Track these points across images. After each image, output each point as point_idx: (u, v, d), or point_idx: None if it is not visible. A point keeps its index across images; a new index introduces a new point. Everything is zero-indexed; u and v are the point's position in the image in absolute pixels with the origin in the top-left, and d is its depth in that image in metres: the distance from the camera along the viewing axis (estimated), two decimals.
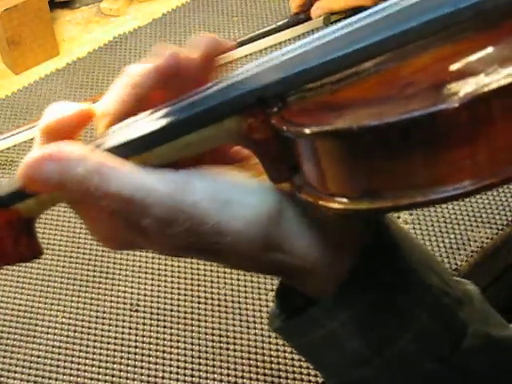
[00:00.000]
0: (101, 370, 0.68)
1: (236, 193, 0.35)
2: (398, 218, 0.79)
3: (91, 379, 0.68)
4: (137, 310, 0.73)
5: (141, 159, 0.36)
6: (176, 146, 0.35)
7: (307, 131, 0.31)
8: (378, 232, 0.39)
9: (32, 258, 0.41)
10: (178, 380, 0.67)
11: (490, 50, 0.30)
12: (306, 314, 0.39)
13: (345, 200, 0.31)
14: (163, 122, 0.36)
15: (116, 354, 0.69)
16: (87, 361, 0.69)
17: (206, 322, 0.71)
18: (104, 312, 0.73)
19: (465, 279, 0.46)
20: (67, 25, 1.14)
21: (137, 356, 0.69)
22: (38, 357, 0.70)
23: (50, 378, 0.68)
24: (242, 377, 0.66)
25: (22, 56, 1.04)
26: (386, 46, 0.32)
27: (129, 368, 0.68)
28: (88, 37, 1.12)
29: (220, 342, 0.70)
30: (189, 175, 0.35)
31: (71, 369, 0.69)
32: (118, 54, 1.05)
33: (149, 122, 0.37)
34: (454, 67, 0.30)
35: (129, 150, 0.36)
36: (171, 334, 0.71)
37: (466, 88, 0.27)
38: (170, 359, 0.69)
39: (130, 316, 0.73)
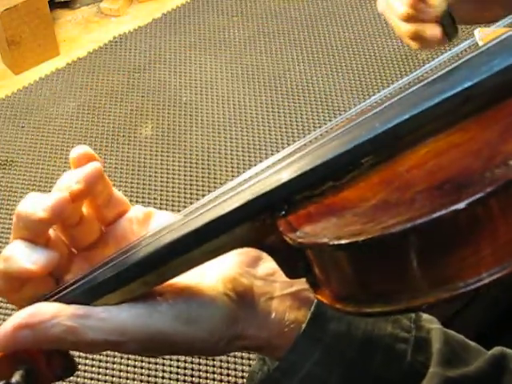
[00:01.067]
0: (101, 370, 0.68)
1: (194, 310, 0.40)
2: None
3: (91, 379, 0.68)
4: None
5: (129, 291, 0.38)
6: (189, 258, 0.37)
7: (313, 243, 0.32)
8: None
9: (67, 374, 0.42)
10: (177, 380, 0.67)
11: (487, 140, 0.31)
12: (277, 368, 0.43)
13: (357, 304, 0.32)
14: (182, 234, 0.37)
15: (116, 353, 0.69)
16: (87, 361, 0.69)
17: None
18: None
19: (431, 317, 0.47)
20: (67, 25, 1.15)
21: (137, 356, 0.69)
22: None
23: None
24: (242, 377, 0.67)
25: (22, 56, 1.04)
26: (381, 142, 0.32)
27: (129, 368, 0.68)
28: (88, 37, 1.12)
29: None
30: (152, 305, 0.40)
31: None
32: (117, 54, 1.05)
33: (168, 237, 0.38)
34: (447, 166, 0.31)
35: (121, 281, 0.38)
36: None
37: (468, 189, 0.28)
38: (170, 359, 0.69)
39: None
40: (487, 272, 0.29)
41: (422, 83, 0.33)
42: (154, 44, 1.06)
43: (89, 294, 0.39)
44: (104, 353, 0.69)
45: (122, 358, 0.69)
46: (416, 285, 0.30)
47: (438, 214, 0.27)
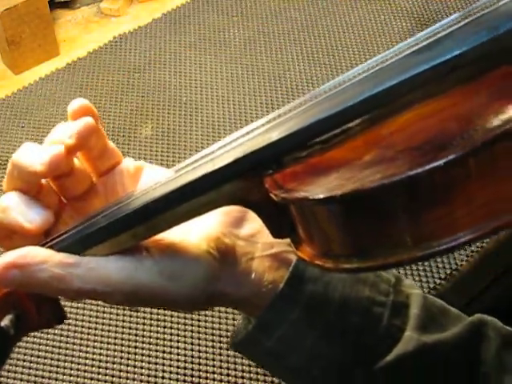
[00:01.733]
0: (101, 370, 0.68)
1: (178, 267, 0.42)
2: None
3: (91, 379, 0.68)
4: (137, 310, 0.73)
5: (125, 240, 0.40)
6: (178, 212, 0.38)
7: (295, 198, 0.33)
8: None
9: (56, 323, 0.44)
10: (177, 380, 0.67)
11: (466, 108, 0.31)
12: (257, 322, 0.45)
13: (336, 259, 0.33)
14: (168, 189, 0.38)
15: (116, 354, 0.69)
16: (87, 361, 0.69)
17: (205, 322, 0.71)
18: (104, 312, 0.73)
19: (411, 283, 0.49)
20: (67, 25, 1.15)
21: (137, 356, 0.69)
22: (38, 357, 0.70)
23: (49, 378, 0.68)
24: (242, 377, 0.66)
25: (22, 56, 1.04)
26: (371, 106, 0.33)
27: (129, 368, 0.68)
28: (88, 37, 1.12)
29: (220, 342, 0.70)
30: (139, 260, 0.41)
31: (71, 369, 0.69)
32: (117, 54, 1.05)
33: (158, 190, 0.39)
34: (431, 128, 0.31)
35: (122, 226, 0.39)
36: (171, 334, 0.71)
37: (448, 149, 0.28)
38: (170, 359, 0.69)
39: (130, 316, 0.73)
40: (462, 232, 0.29)
41: (410, 50, 0.33)
42: (153, 44, 1.06)
43: (78, 244, 0.40)
44: (104, 353, 0.69)
45: (121, 358, 0.69)
46: (392, 242, 0.31)
47: (414, 171, 0.28)
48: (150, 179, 0.44)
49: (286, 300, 0.45)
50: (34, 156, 0.40)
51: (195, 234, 0.44)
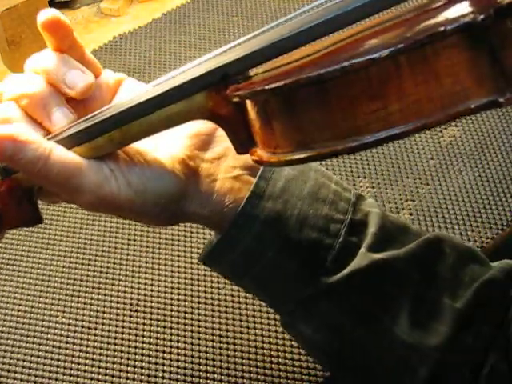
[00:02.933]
0: (101, 370, 0.68)
1: (144, 181, 0.45)
2: None
3: (91, 379, 0.68)
4: (137, 310, 0.73)
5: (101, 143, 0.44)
6: (152, 120, 0.42)
7: (248, 92, 0.38)
8: (270, 178, 0.49)
9: (32, 223, 0.48)
10: (177, 380, 0.67)
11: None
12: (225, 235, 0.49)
13: (282, 155, 0.37)
14: (144, 97, 0.43)
15: (116, 354, 0.69)
16: (87, 361, 0.69)
17: (205, 322, 0.71)
18: (104, 312, 0.73)
19: (372, 202, 0.51)
20: None
21: (137, 356, 0.69)
22: (38, 357, 0.70)
23: (49, 378, 0.68)
24: (242, 377, 0.67)
25: (22, 56, 1.04)
26: (323, 30, 0.38)
27: (129, 368, 0.68)
28: (88, 37, 1.12)
29: (220, 341, 0.70)
30: (113, 168, 0.45)
31: (71, 369, 0.69)
32: (117, 54, 1.05)
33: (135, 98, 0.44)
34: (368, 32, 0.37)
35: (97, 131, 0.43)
36: (171, 334, 0.71)
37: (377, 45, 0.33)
38: (170, 359, 0.69)
39: (130, 316, 0.73)
40: (394, 127, 0.32)
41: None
42: (153, 44, 1.06)
43: (60, 143, 0.44)
44: (104, 353, 0.69)
45: (121, 358, 0.69)
46: (329, 132, 0.34)
47: (350, 61, 0.32)
48: (129, 91, 0.48)
49: (246, 216, 0.48)
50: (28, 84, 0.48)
51: (162, 153, 0.47)
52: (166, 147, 0.48)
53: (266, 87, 0.36)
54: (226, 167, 0.49)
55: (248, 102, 0.39)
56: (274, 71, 0.39)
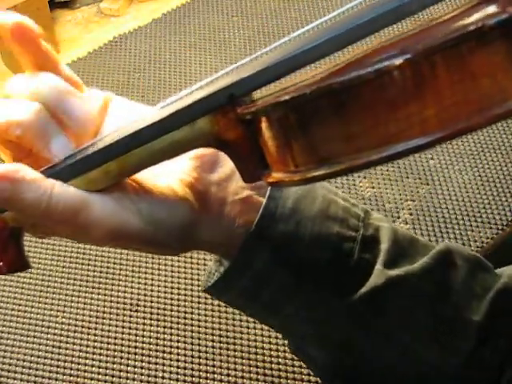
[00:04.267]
0: (101, 370, 0.68)
1: (156, 212, 0.42)
2: (398, 218, 0.79)
3: (91, 379, 0.68)
4: (137, 310, 0.73)
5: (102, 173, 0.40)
6: (151, 150, 0.39)
7: (263, 106, 0.35)
8: (278, 197, 0.47)
9: (19, 269, 0.43)
10: (177, 380, 0.67)
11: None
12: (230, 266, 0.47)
13: (304, 172, 0.34)
14: (140, 125, 0.39)
15: (116, 354, 0.69)
16: (87, 361, 0.69)
17: (205, 322, 0.71)
18: (104, 312, 0.73)
19: (380, 216, 0.50)
20: (67, 25, 1.15)
21: (137, 356, 0.69)
22: (38, 357, 0.70)
23: (49, 378, 0.68)
24: (242, 377, 0.66)
25: None
26: (332, 48, 0.36)
27: (129, 368, 0.68)
28: (88, 37, 1.12)
29: (220, 342, 0.70)
30: (118, 199, 0.41)
31: (71, 369, 0.69)
32: (117, 54, 1.05)
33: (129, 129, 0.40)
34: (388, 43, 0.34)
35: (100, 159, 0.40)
36: (171, 334, 0.71)
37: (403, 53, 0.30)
38: (170, 359, 0.69)
39: (130, 316, 0.73)
40: (430, 133, 0.30)
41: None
42: (153, 44, 1.06)
43: (55, 178, 0.40)
44: (104, 352, 0.69)
45: (121, 358, 0.69)
46: (359, 143, 0.32)
47: (378, 65, 0.30)
48: (118, 113, 0.45)
49: (257, 240, 0.46)
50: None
51: (171, 178, 0.44)
52: (173, 172, 0.45)
53: (287, 97, 0.33)
54: (235, 188, 0.46)
55: (262, 120, 0.36)
56: (283, 91, 0.36)
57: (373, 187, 0.84)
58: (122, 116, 0.45)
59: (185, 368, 0.68)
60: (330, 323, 0.49)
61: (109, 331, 0.72)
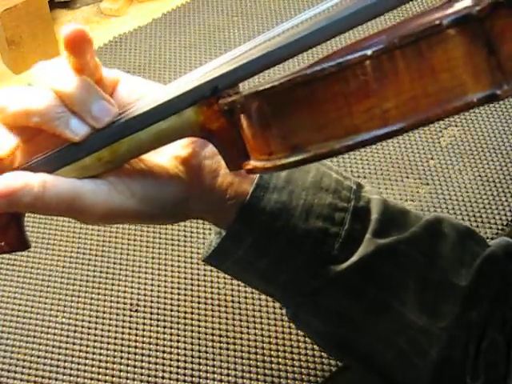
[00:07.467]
0: (101, 370, 0.68)
1: (148, 190, 0.44)
2: None
3: (91, 379, 0.68)
4: (137, 310, 0.73)
5: (98, 158, 0.42)
6: (140, 139, 0.41)
7: (244, 95, 0.37)
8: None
9: (19, 249, 0.45)
10: (177, 380, 0.67)
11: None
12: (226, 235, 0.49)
13: (277, 159, 0.37)
14: (131, 114, 0.42)
15: (116, 354, 0.69)
16: (87, 361, 0.69)
17: (205, 322, 0.71)
18: (104, 312, 0.73)
19: (371, 188, 0.52)
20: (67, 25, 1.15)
21: (137, 356, 0.69)
22: (38, 357, 0.70)
23: (49, 378, 0.68)
24: (242, 377, 0.67)
25: (22, 56, 1.04)
26: (317, 40, 0.40)
27: (129, 368, 0.68)
28: None
29: (220, 341, 0.70)
30: (112, 183, 0.43)
31: (71, 369, 0.69)
32: (117, 54, 1.05)
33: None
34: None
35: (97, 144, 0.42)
36: (171, 334, 0.71)
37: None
38: (170, 359, 0.69)
39: (130, 316, 0.73)
40: (391, 124, 0.32)
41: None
42: (153, 44, 1.06)
43: (47, 166, 0.42)
44: (104, 352, 0.69)
45: (121, 358, 0.69)
46: (326, 133, 0.34)
47: (345, 58, 0.32)
48: (126, 93, 0.48)
49: (253, 209, 0.48)
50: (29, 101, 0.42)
51: (165, 156, 0.46)
52: (167, 149, 0.47)
53: (260, 88, 0.36)
54: None
55: (240, 110, 0.38)
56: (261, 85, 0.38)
57: (373, 187, 0.84)
58: (131, 92, 0.49)
59: (185, 368, 0.68)
60: (323, 291, 0.50)
61: (109, 331, 0.72)
